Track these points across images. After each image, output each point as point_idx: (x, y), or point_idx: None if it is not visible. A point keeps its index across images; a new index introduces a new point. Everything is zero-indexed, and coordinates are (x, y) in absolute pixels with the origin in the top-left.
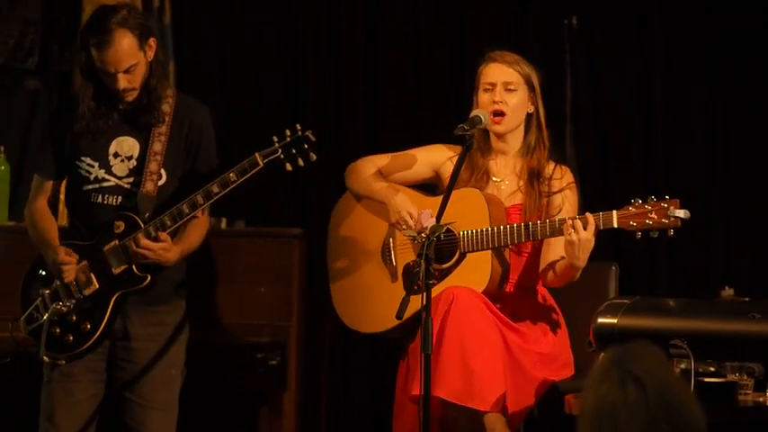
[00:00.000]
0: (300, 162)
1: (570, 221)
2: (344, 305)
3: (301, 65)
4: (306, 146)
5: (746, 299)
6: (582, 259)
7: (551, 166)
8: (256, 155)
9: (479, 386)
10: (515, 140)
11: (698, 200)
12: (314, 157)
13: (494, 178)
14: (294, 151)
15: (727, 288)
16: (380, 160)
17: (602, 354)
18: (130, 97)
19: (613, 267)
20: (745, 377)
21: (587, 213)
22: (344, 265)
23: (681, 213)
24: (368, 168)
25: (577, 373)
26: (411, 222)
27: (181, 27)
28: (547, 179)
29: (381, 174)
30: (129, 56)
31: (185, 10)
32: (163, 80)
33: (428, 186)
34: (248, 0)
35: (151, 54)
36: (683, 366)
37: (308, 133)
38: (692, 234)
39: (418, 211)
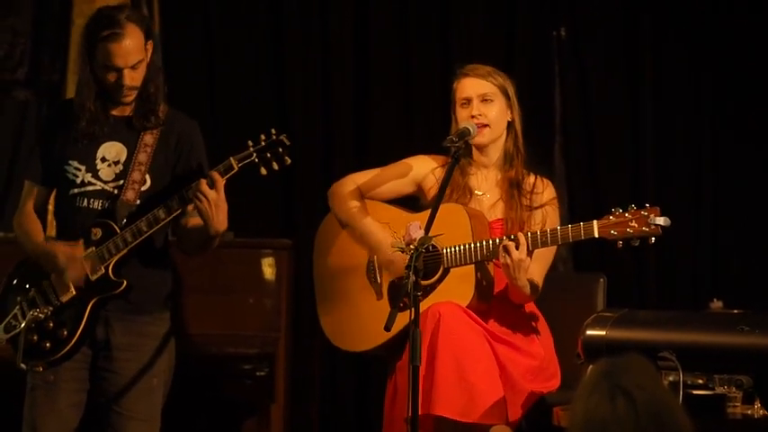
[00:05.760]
0: (275, 166)
1: (504, 242)
2: (331, 324)
3: (290, 74)
4: (281, 150)
5: (735, 311)
6: (519, 279)
7: (532, 178)
8: (231, 159)
9: (481, 401)
10: (495, 152)
11: (688, 212)
12: (288, 160)
13: (476, 192)
14: (269, 155)
15: (715, 300)
16: (361, 178)
17: (591, 366)
18: (130, 98)
19: (601, 279)
20: (734, 390)
21: (519, 233)
22: (330, 283)
23: (661, 221)
24: (348, 186)
25: (565, 386)
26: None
27: (169, 36)
28: (528, 192)
29: (361, 191)
30: (138, 50)
31: (173, 19)
32: (160, 87)
33: (410, 199)
34: (237, 9)
35: (149, 56)
36: (671, 379)
37: (283, 137)
38: (681, 246)
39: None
